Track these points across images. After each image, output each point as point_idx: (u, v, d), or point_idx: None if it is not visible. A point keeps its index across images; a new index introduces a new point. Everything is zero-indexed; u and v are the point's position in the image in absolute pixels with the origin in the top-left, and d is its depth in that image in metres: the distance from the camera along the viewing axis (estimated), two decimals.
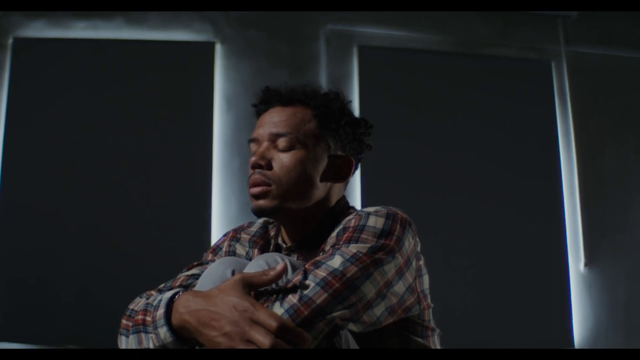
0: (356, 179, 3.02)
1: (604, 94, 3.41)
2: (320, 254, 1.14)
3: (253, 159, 1.25)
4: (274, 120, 1.27)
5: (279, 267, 1.00)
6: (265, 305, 0.99)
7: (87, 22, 2.96)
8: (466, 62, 3.23)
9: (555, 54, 3.38)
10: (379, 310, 1.07)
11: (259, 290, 1.01)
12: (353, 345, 1.07)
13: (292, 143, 1.24)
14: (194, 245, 2.83)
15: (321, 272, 1.02)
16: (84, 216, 2.81)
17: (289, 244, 1.30)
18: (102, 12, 2.91)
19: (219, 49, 3.03)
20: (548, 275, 3.13)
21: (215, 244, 1.40)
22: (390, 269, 1.08)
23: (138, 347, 1.05)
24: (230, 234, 1.40)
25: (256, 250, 1.34)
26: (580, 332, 3.14)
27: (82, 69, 2.93)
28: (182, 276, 1.27)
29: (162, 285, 1.25)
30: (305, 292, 0.99)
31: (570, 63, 3.38)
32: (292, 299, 0.98)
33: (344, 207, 1.31)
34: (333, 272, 1.02)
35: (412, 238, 1.16)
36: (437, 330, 1.27)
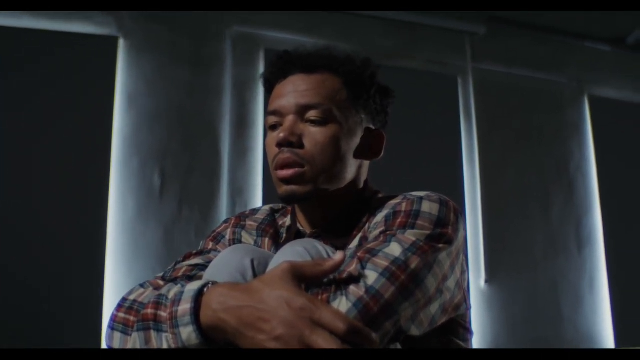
0: (258, 174, 2.97)
1: (508, 111, 3.48)
2: (355, 240, 1.04)
3: (281, 135, 1.06)
4: (300, 89, 1.09)
5: (338, 257, 0.83)
6: (324, 297, 0.83)
7: None
8: None
9: (462, 70, 3.43)
10: (433, 308, 0.94)
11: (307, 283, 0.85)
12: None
13: (326, 116, 1.07)
14: (88, 245, 2.73)
15: (382, 262, 0.87)
16: None
17: (313, 230, 1.14)
18: None
19: (121, 44, 2.95)
20: None
21: (215, 231, 1.22)
22: (446, 261, 0.95)
23: (144, 347, 0.86)
24: (233, 221, 1.23)
25: (267, 240, 1.17)
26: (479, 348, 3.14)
27: None
28: (183, 266, 1.08)
29: (161, 274, 1.07)
30: (370, 283, 0.84)
31: (476, 79, 3.43)
32: (358, 290, 0.83)
33: (372, 190, 1.19)
34: (395, 262, 0.87)
35: (464, 229, 1.04)
36: (473, 334, 1.15)
